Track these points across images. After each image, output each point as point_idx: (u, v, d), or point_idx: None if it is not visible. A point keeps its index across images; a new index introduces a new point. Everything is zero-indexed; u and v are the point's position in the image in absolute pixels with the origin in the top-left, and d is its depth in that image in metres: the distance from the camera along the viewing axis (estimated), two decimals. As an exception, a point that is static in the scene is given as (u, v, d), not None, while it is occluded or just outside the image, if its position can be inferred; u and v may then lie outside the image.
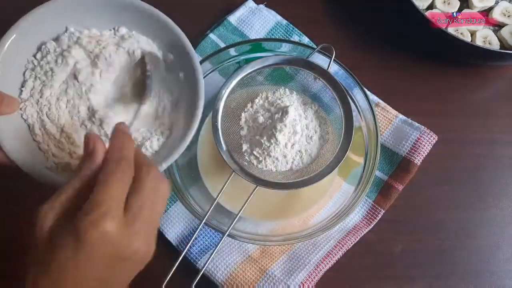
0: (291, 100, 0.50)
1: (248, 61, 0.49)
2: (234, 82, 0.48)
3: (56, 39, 0.41)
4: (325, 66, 0.48)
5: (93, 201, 0.28)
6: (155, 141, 0.41)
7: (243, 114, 0.50)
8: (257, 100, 0.51)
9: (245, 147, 0.49)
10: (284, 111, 0.47)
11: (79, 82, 0.40)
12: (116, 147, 0.32)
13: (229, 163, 0.46)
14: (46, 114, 0.40)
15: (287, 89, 0.51)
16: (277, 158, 0.48)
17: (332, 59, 0.49)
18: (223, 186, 0.46)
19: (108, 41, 0.42)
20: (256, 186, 0.45)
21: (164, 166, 0.39)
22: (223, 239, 0.44)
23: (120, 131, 0.33)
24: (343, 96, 0.48)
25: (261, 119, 0.48)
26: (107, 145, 0.32)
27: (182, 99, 0.43)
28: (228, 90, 0.48)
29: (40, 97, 0.40)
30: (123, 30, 0.43)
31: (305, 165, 0.49)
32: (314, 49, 0.50)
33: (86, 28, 0.42)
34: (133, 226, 0.29)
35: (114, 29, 0.43)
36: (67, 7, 0.40)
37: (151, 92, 0.40)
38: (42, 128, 0.40)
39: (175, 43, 0.42)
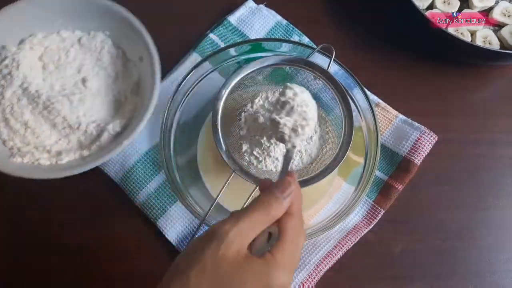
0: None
1: (248, 61, 0.49)
2: (234, 82, 0.48)
3: (20, 43, 0.45)
4: (325, 66, 0.48)
5: (284, 256, 0.31)
6: (117, 123, 0.45)
7: (243, 114, 0.50)
8: (257, 100, 0.51)
9: (245, 147, 0.49)
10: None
11: (31, 85, 0.44)
12: (299, 204, 0.34)
13: (229, 163, 0.46)
14: (10, 114, 0.44)
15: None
16: (277, 158, 0.48)
17: (332, 59, 0.49)
18: (223, 186, 0.46)
19: (59, 45, 0.46)
20: (256, 186, 0.45)
21: (125, 143, 0.42)
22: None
23: (297, 188, 0.35)
24: (343, 96, 0.47)
25: (261, 119, 0.48)
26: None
27: (144, 82, 0.46)
28: (228, 90, 0.48)
29: (2, 98, 0.43)
30: (78, 32, 0.48)
31: (305, 165, 0.49)
32: (314, 49, 0.50)
33: (48, 33, 0.46)
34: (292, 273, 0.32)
35: (72, 30, 0.47)
36: (33, 14, 0.44)
37: (85, 104, 0.46)
38: (7, 126, 0.43)
39: (131, 31, 0.44)
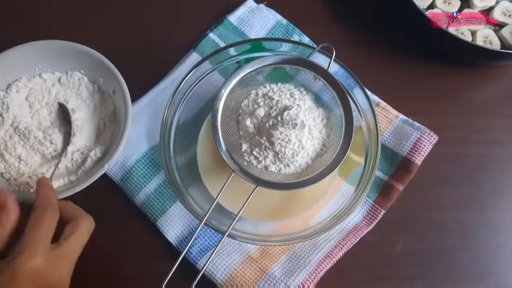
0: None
1: (248, 61, 0.49)
2: (233, 82, 0.48)
3: (8, 87, 0.52)
4: (325, 65, 0.48)
5: (23, 243, 0.36)
6: (98, 150, 0.50)
7: (241, 113, 0.50)
8: (253, 97, 0.50)
9: (244, 147, 0.49)
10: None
11: (20, 123, 0.50)
12: (41, 196, 0.40)
13: (229, 164, 0.46)
14: (4, 149, 0.50)
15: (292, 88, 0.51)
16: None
17: (333, 58, 0.49)
18: (223, 186, 0.46)
19: (42, 85, 0.53)
20: (256, 186, 0.45)
21: (106, 167, 0.48)
22: (223, 239, 0.44)
23: (43, 184, 0.42)
24: (343, 96, 0.47)
25: (256, 118, 0.48)
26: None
27: (118, 111, 0.52)
28: (227, 90, 0.48)
29: None
30: (58, 73, 0.54)
31: (306, 165, 0.48)
32: (314, 48, 0.50)
33: (31, 76, 0.53)
34: (59, 261, 0.38)
35: (52, 72, 0.54)
36: (17, 61, 0.51)
37: (74, 135, 0.51)
38: (3, 161, 0.50)
39: (103, 68, 0.51)
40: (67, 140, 0.51)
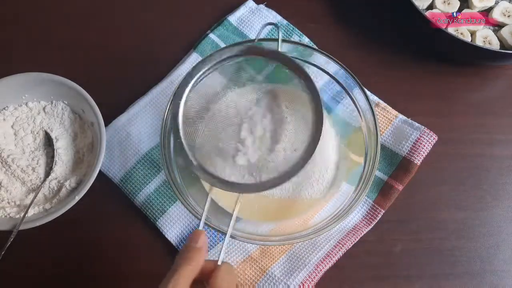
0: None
1: (248, 61, 0.49)
2: (186, 92, 0.44)
3: None
4: (324, 65, 0.48)
5: None
6: (73, 180, 0.51)
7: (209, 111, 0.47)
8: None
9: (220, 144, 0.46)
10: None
11: (4, 151, 0.52)
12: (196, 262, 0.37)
13: (205, 179, 0.43)
14: None
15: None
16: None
17: (280, 39, 0.45)
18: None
19: (28, 114, 0.55)
20: (240, 194, 0.43)
21: (77, 198, 0.49)
22: (225, 241, 0.41)
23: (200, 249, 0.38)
24: (297, 68, 0.42)
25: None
26: None
27: (95, 143, 0.53)
28: (182, 103, 0.44)
29: None
30: (43, 102, 0.55)
31: (287, 156, 0.45)
32: (313, 48, 0.49)
33: (18, 105, 0.55)
34: None
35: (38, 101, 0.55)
36: (4, 91, 0.53)
37: (56, 163, 0.52)
38: None
39: (83, 100, 0.53)
40: (48, 169, 0.52)
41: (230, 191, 0.42)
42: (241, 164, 0.46)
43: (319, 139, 0.41)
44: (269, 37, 0.58)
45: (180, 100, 0.44)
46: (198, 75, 0.44)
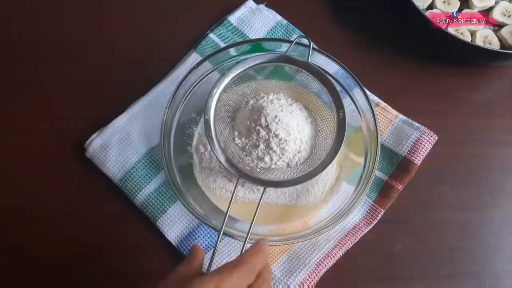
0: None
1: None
2: (219, 90, 0.47)
3: None
4: (324, 65, 0.48)
5: None
6: None
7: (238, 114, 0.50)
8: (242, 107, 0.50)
9: (240, 142, 0.48)
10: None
11: None
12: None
13: (233, 172, 0.45)
14: None
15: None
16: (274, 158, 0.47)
17: (311, 48, 0.47)
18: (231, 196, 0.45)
19: None
20: (265, 188, 0.45)
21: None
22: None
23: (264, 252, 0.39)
24: (329, 84, 0.46)
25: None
26: None
27: None
28: (214, 101, 0.47)
29: None
30: None
31: (303, 160, 0.48)
32: (313, 48, 0.50)
33: None
34: None
35: None
36: None
37: None
38: None
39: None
40: None
41: (256, 185, 0.46)
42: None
43: (339, 150, 0.45)
44: (271, 36, 0.58)
45: (212, 99, 0.47)
46: (231, 77, 0.47)
